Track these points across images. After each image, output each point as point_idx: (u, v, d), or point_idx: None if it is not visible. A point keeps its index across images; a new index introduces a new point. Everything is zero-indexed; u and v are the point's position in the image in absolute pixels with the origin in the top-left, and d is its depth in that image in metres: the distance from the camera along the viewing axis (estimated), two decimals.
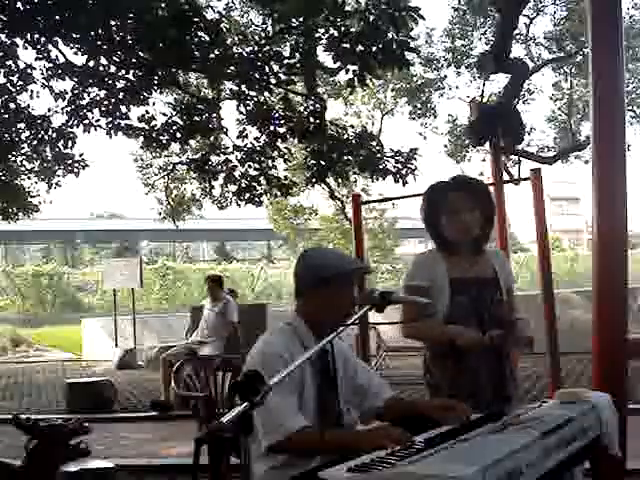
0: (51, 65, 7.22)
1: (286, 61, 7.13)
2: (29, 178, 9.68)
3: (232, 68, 7.32)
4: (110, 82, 7.34)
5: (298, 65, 7.14)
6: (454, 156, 16.01)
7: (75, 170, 8.93)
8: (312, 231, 21.77)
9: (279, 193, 9.10)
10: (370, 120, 17.48)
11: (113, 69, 7.25)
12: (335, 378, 2.43)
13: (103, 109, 7.55)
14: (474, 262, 2.84)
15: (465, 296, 2.75)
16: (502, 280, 2.86)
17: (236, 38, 8.05)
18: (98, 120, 7.64)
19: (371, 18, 6.48)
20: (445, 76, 14.95)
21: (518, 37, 13.56)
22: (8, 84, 7.41)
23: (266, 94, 7.87)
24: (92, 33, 6.74)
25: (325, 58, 8.36)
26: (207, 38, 6.78)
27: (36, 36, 6.86)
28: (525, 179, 7.29)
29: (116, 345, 13.57)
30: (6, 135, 7.99)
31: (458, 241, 2.81)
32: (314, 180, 8.69)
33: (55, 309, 25.86)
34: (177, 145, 9.92)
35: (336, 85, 14.15)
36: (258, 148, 8.31)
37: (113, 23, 6.72)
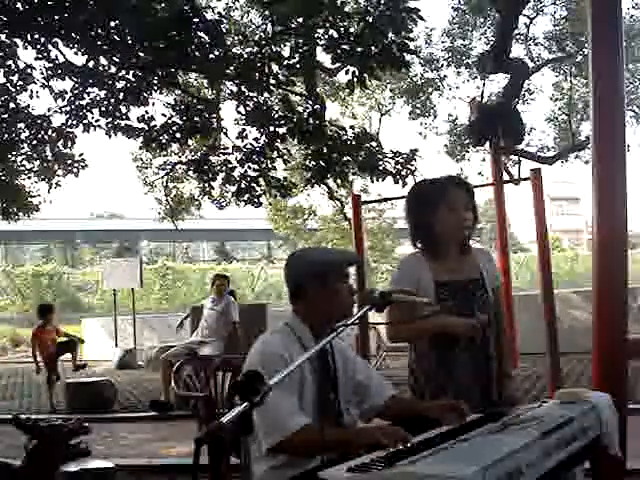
0: (51, 65, 7.21)
1: (286, 62, 7.13)
2: (29, 178, 9.69)
3: (232, 68, 7.32)
4: (110, 82, 7.34)
5: (298, 66, 7.13)
6: (454, 156, 16.00)
7: (75, 170, 8.95)
8: (312, 231, 21.77)
9: (278, 194, 9.10)
10: (367, 120, 17.50)
11: (113, 69, 7.25)
12: (336, 378, 2.42)
13: (103, 109, 7.54)
14: (460, 263, 2.81)
15: (451, 300, 2.73)
16: (488, 279, 2.83)
17: (236, 38, 8.05)
18: (98, 120, 7.63)
19: (370, 19, 6.48)
20: (445, 76, 14.94)
21: (518, 37, 13.54)
22: (8, 84, 7.41)
23: (266, 95, 7.87)
24: (92, 33, 6.74)
25: (324, 58, 8.37)
26: (207, 38, 6.77)
27: (36, 36, 6.86)
28: (525, 179, 7.32)
29: (116, 345, 13.57)
30: (6, 135, 7.99)
31: (450, 239, 2.79)
32: (313, 181, 8.68)
33: (55, 309, 25.82)
34: (176, 145, 9.91)
35: (334, 85, 14.15)
36: (257, 149, 8.29)
37: (113, 23, 6.72)
